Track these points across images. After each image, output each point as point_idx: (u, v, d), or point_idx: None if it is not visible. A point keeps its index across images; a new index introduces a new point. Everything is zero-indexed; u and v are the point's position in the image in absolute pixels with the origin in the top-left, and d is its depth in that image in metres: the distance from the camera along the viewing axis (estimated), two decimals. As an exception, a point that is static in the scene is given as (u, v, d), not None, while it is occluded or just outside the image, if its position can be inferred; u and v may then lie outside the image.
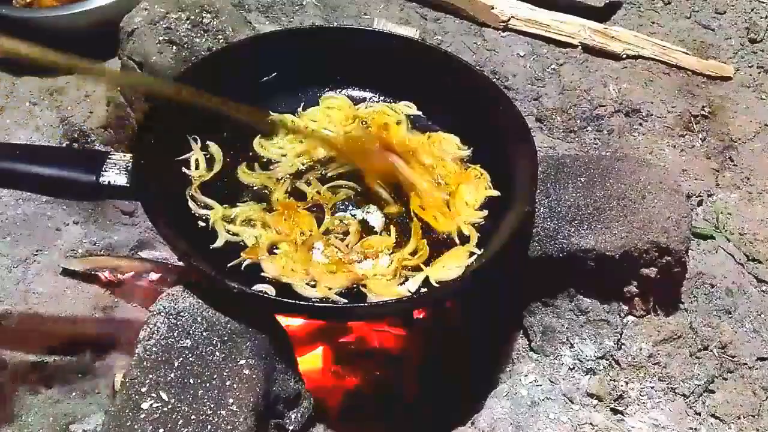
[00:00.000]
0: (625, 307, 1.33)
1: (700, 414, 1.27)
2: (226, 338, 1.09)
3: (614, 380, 1.28)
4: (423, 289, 1.21)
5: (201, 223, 1.27)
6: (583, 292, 1.32)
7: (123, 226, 1.56)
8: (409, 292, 1.20)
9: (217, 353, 1.08)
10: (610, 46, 1.83)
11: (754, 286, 1.47)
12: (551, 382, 1.29)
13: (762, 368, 1.34)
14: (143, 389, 1.03)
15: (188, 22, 1.58)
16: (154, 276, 1.45)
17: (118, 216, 1.57)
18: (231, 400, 1.03)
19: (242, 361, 1.07)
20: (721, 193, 1.64)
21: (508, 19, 1.87)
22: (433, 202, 1.32)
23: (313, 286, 1.19)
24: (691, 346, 1.34)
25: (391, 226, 1.30)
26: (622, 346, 1.31)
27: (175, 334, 1.10)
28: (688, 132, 1.73)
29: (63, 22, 1.75)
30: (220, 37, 1.58)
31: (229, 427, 1.00)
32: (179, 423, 1.00)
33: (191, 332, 1.10)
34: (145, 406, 1.02)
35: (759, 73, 1.88)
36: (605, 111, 1.72)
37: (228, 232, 1.25)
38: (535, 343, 1.33)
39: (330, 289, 1.18)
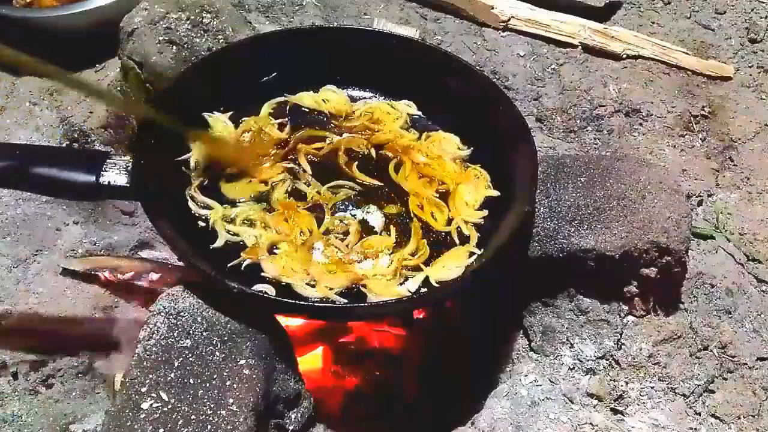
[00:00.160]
0: (625, 307, 1.33)
1: (700, 414, 1.27)
2: (226, 338, 1.09)
3: (614, 380, 1.28)
4: (423, 289, 1.21)
5: (201, 223, 1.27)
6: (583, 292, 1.32)
7: (123, 226, 1.56)
8: (409, 292, 1.20)
9: (217, 353, 1.08)
10: (610, 46, 1.83)
11: (754, 286, 1.47)
12: (551, 382, 1.29)
13: (762, 368, 1.34)
14: (143, 389, 1.03)
15: (188, 22, 1.58)
16: (154, 276, 1.45)
17: (118, 216, 1.57)
18: (231, 400, 1.03)
19: (242, 361, 1.07)
20: (721, 193, 1.64)
21: (508, 19, 1.87)
22: (426, 201, 1.33)
23: (313, 286, 1.19)
24: (691, 346, 1.34)
25: (391, 226, 1.30)
26: (622, 346, 1.31)
27: (175, 334, 1.10)
28: (688, 132, 1.73)
29: (63, 22, 1.75)
30: (220, 37, 1.58)
31: (229, 427, 1.00)
32: (179, 423, 1.00)
33: (191, 332, 1.10)
34: (145, 406, 1.02)
35: (759, 73, 1.88)
36: (605, 111, 1.72)
37: (228, 232, 1.25)
38: (535, 343, 1.33)
39: (330, 289, 1.19)
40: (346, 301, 1.18)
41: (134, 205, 1.57)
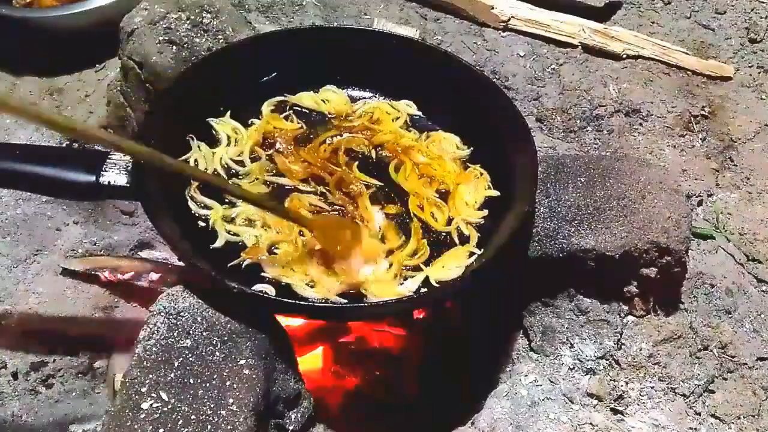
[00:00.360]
0: (625, 307, 1.33)
1: (700, 414, 1.27)
2: (226, 338, 1.09)
3: (614, 380, 1.28)
4: (423, 289, 1.21)
5: (201, 223, 1.27)
6: (583, 292, 1.32)
7: (123, 226, 1.56)
8: (409, 292, 1.20)
9: (217, 353, 1.08)
10: (610, 46, 1.83)
11: (754, 286, 1.47)
12: (551, 382, 1.29)
13: (762, 368, 1.34)
14: (143, 389, 1.03)
15: (188, 22, 1.58)
16: (154, 276, 1.45)
17: (118, 216, 1.57)
18: (231, 400, 1.03)
19: (242, 361, 1.07)
20: (721, 193, 1.64)
21: (508, 19, 1.87)
22: (426, 201, 1.33)
23: (313, 287, 1.19)
24: (691, 346, 1.34)
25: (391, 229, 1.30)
26: (622, 346, 1.31)
27: (175, 334, 1.09)
28: (688, 132, 1.73)
29: (63, 22, 1.75)
30: (220, 37, 1.58)
31: (229, 427, 1.00)
32: (179, 423, 1.00)
33: (191, 332, 1.10)
34: (145, 406, 1.01)
35: (759, 73, 1.88)
36: (605, 111, 1.72)
37: (228, 232, 1.25)
38: (535, 343, 1.33)
39: (329, 290, 1.18)
40: (345, 301, 1.18)
41: (134, 205, 1.57)
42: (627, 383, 1.28)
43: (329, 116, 1.48)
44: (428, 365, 1.47)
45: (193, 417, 1.01)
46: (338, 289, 1.19)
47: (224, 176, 1.35)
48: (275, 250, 1.23)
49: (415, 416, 1.41)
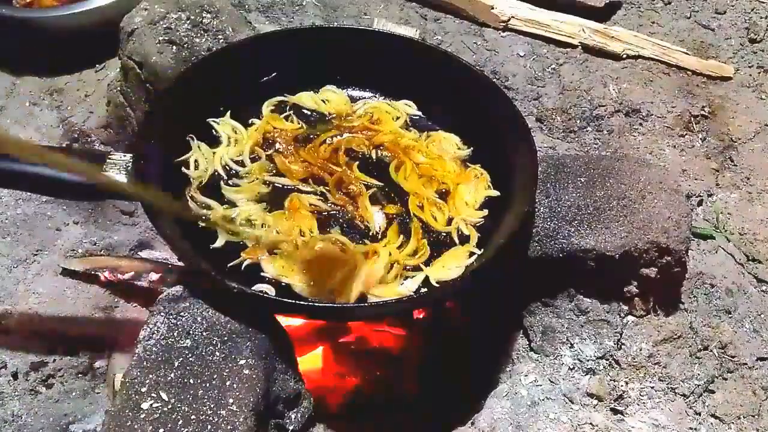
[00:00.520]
0: (625, 307, 1.33)
1: (700, 414, 1.27)
2: (226, 338, 1.09)
3: (614, 380, 1.28)
4: (423, 289, 1.21)
5: (201, 223, 1.27)
6: (583, 292, 1.32)
7: (123, 226, 1.56)
8: (409, 292, 1.20)
9: (217, 353, 1.08)
10: (610, 46, 1.83)
11: (754, 286, 1.47)
12: (551, 382, 1.29)
13: (762, 368, 1.34)
14: (143, 389, 1.03)
15: (188, 22, 1.58)
16: (154, 276, 1.45)
17: (118, 216, 1.57)
18: (231, 400, 1.03)
19: (242, 361, 1.07)
20: (721, 193, 1.64)
21: (508, 19, 1.87)
22: (426, 201, 1.33)
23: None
24: (691, 346, 1.34)
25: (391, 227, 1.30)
26: (622, 346, 1.31)
27: (175, 334, 1.10)
28: (688, 132, 1.73)
29: (63, 22, 1.75)
30: (220, 37, 1.58)
31: (229, 427, 1.00)
32: (179, 423, 1.00)
33: (191, 332, 1.10)
34: (145, 406, 1.01)
35: (759, 73, 1.88)
36: (605, 111, 1.72)
37: (228, 232, 1.25)
38: (535, 343, 1.33)
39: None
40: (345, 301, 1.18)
41: (134, 205, 1.57)
42: (627, 383, 1.28)
43: (329, 116, 1.48)
44: (428, 365, 1.47)
45: (193, 417, 1.01)
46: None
47: (224, 176, 1.34)
48: (275, 250, 1.23)
49: (415, 416, 1.41)
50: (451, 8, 1.92)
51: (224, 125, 1.41)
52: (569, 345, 1.31)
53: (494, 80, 1.68)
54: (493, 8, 1.87)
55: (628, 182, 1.35)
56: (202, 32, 1.57)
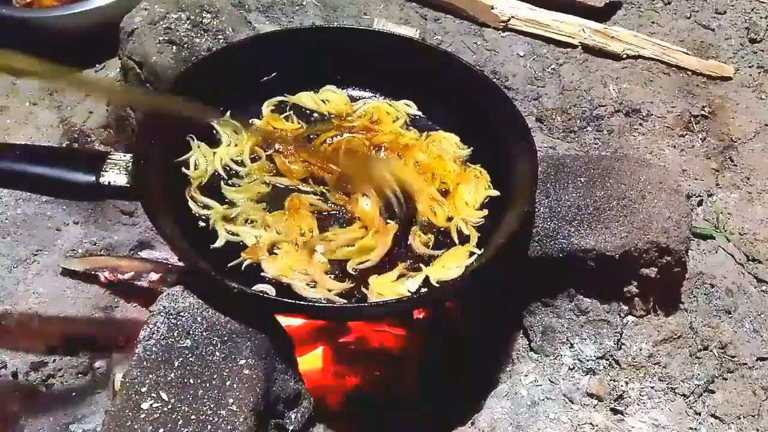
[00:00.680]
0: (625, 307, 1.33)
1: (700, 414, 1.27)
2: (226, 338, 1.09)
3: (614, 380, 1.28)
4: (423, 289, 1.21)
5: (201, 223, 1.27)
6: (583, 292, 1.32)
7: (123, 226, 1.56)
8: (409, 292, 1.20)
9: (217, 353, 1.08)
10: (610, 46, 1.83)
11: (754, 286, 1.47)
12: (551, 382, 1.29)
13: (762, 368, 1.34)
14: (143, 389, 1.03)
15: (188, 22, 1.58)
16: (154, 276, 1.45)
17: (118, 216, 1.57)
18: (231, 400, 1.03)
19: (242, 361, 1.07)
20: (721, 193, 1.64)
21: (508, 19, 1.87)
22: (427, 197, 1.33)
23: (313, 287, 1.19)
24: (691, 346, 1.34)
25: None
26: (622, 346, 1.31)
27: (175, 334, 1.09)
28: (688, 132, 1.73)
29: (63, 22, 1.75)
30: (220, 37, 1.58)
31: (229, 427, 1.00)
32: (179, 423, 1.00)
33: (191, 332, 1.10)
34: (145, 406, 1.01)
35: (759, 73, 1.88)
36: (605, 111, 1.72)
37: (228, 232, 1.25)
38: (535, 343, 1.33)
39: (330, 290, 1.19)
40: (345, 301, 1.18)
41: (134, 205, 1.57)
42: (627, 383, 1.28)
43: (329, 116, 1.48)
44: (428, 365, 1.47)
45: (193, 417, 1.01)
46: (338, 289, 1.19)
47: (224, 176, 1.34)
48: (275, 250, 1.23)
49: (415, 416, 1.41)
50: (451, 8, 1.92)
51: (224, 125, 1.41)
52: (569, 345, 1.31)
53: (494, 80, 1.68)
54: (493, 8, 1.86)
55: (628, 182, 1.35)
56: (202, 32, 1.57)
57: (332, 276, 1.21)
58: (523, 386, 1.28)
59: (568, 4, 1.92)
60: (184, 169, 1.34)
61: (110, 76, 1.76)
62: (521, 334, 1.37)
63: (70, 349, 1.38)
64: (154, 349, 1.08)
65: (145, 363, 1.06)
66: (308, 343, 1.44)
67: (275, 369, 1.12)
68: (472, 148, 1.43)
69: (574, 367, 1.30)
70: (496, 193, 1.35)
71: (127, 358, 1.32)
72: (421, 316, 1.51)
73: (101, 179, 1.18)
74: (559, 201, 1.32)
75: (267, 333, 1.13)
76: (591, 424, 1.23)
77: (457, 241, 1.29)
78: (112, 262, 1.47)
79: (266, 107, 1.46)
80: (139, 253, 1.54)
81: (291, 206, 1.29)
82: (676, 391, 1.29)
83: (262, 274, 1.20)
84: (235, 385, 1.04)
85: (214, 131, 1.40)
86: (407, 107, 1.50)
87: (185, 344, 1.08)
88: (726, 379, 1.32)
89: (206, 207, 1.29)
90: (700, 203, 1.61)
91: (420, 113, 1.50)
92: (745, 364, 1.34)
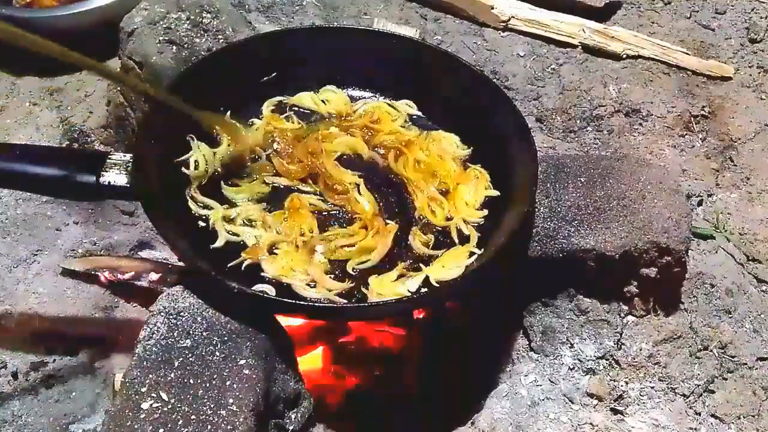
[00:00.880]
0: (625, 307, 1.33)
1: (700, 414, 1.27)
2: (226, 338, 1.09)
3: (614, 380, 1.28)
4: (423, 289, 1.21)
5: (201, 223, 1.27)
6: (583, 292, 1.32)
7: (123, 226, 1.56)
8: (409, 292, 1.20)
9: (217, 353, 1.08)
10: (610, 46, 1.83)
11: (754, 286, 1.47)
12: (551, 382, 1.29)
13: (762, 368, 1.34)
14: (143, 389, 1.03)
15: (188, 22, 1.58)
16: (154, 276, 1.45)
17: (118, 216, 1.58)
18: (231, 400, 1.03)
19: (242, 361, 1.07)
20: (721, 193, 1.64)
21: (508, 19, 1.86)
22: (426, 195, 1.33)
23: (313, 287, 1.19)
24: (691, 346, 1.34)
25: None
26: (622, 346, 1.31)
27: (175, 334, 1.10)
28: (688, 132, 1.73)
29: (63, 22, 1.75)
30: (220, 37, 1.58)
31: (229, 427, 1.00)
32: (179, 423, 1.00)
33: (191, 332, 1.10)
34: (145, 406, 1.02)
35: (759, 73, 1.88)
36: (605, 111, 1.72)
37: (228, 232, 1.25)
38: (535, 343, 1.33)
39: (330, 290, 1.19)
40: (345, 301, 1.18)
41: (134, 205, 1.57)
42: (627, 383, 1.28)
43: (329, 116, 1.48)
44: (428, 365, 1.47)
45: (193, 417, 1.01)
46: (338, 289, 1.19)
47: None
48: (275, 250, 1.23)
49: (415, 416, 1.41)
50: (451, 8, 1.92)
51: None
52: (569, 345, 1.31)
53: (494, 80, 1.68)
54: (493, 8, 1.86)
55: (628, 182, 1.35)
56: (202, 32, 1.57)
57: (332, 276, 1.21)
58: (523, 386, 1.28)
59: (568, 4, 1.92)
60: (184, 169, 1.34)
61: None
62: (521, 334, 1.37)
63: (70, 349, 1.38)
64: (154, 349, 1.08)
65: (145, 363, 1.06)
66: (308, 343, 1.44)
67: (275, 369, 1.12)
68: (472, 148, 1.43)
69: (574, 367, 1.30)
70: (496, 193, 1.35)
71: (127, 358, 1.33)
72: (421, 316, 1.51)
73: (101, 179, 1.18)
74: (559, 201, 1.32)
75: (267, 333, 1.13)
76: (591, 424, 1.23)
77: (457, 241, 1.29)
78: (112, 262, 1.47)
79: (266, 107, 1.46)
80: (139, 253, 1.55)
81: (291, 206, 1.29)
82: (676, 391, 1.29)
83: (262, 274, 1.20)
84: (235, 385, 1.04)
85: (214, 131, 1.40)
86: (407, 107, 1.50)
87: (185, 344, 1.08)
88: (726, 379, 1.32)
89: (206, 207, 1.29)
90: (700, 203, 1.61)
91: (420, 113, 1.50)
92: (745, 364, 1.34)
